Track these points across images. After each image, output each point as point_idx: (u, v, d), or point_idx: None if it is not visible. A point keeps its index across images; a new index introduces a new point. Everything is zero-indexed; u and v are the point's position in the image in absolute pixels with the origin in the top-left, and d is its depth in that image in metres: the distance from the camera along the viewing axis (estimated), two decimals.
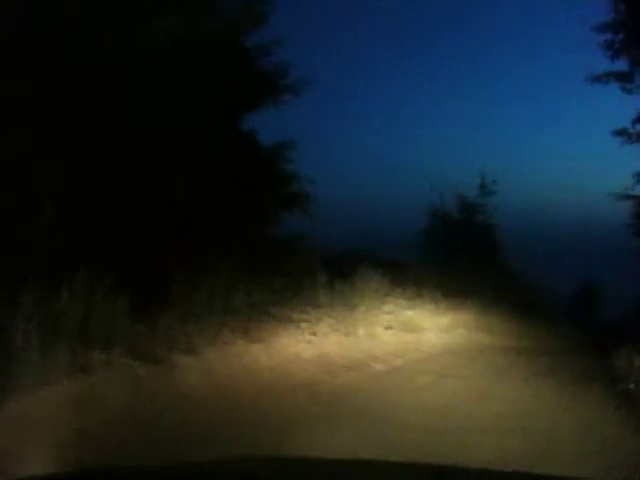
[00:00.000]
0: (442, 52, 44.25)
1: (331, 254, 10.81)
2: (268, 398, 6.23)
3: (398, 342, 9.95)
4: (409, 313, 11.01)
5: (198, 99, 7.94)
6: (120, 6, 7.43)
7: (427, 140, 34.32)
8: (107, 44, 7.12)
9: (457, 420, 6.06)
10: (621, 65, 12.52)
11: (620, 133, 12.81)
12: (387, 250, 12.67)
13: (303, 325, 8.75)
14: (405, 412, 6.20)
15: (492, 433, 5.61)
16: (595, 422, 6.45)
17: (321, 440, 5.07)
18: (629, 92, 12.51)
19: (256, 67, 8.77)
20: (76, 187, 6.50)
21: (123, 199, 6.88)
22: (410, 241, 16.13)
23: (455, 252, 15.22)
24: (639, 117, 12.64)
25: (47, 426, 4.48)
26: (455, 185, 16.80)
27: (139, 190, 7.00)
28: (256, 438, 4.92)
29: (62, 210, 6.25)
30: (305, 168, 9.91)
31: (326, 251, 10.64)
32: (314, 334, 8.77)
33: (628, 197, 13.07)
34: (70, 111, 6.57)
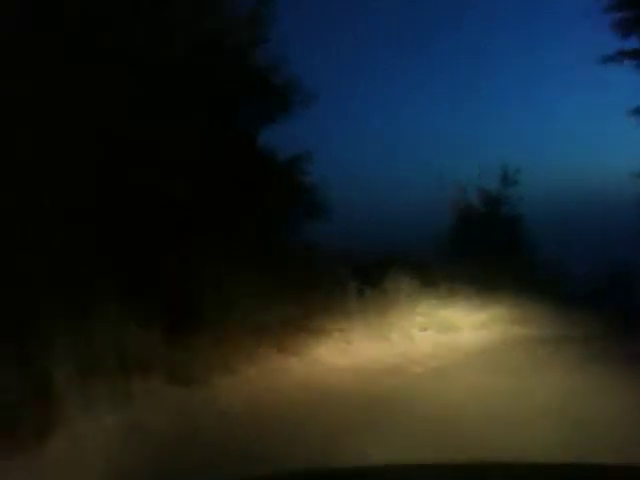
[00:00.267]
0: (452, 49, 43.69)
1: (358, 260, 10.73)
2: (307, 412, 6.23)
3: (434, 343, 9.79)
4: (443, 313, 10.87)
5: (198, 99, 7.94)
6: (120, 6, 7.43)
7: (442, 139, 33.93)
8: (107, 44, 7.12)
9: (507, 418, 5.99)
10: (632, 44, 12.43)
11: (636, 111, 12.72)
12: (414, 251, 12.54)
13: (337, 334, 8.73)
14: (452, 412, 6.13)
15: (544, 428, 5.56)
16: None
17: (366, 449, 5.05)
18: None
19: (255, 66, 8.76)
20: (76, 187, 6.50)
21: (123, 199, 6.88)
22: (435, 240, 16.05)
23: (482, 246, 15.11)
24: None
25: (95, 457, 4.63)
26: (476, 180, 16.72)
27: (139, 190, 6.99)
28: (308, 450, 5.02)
29: (62, 210, 6.26)
30: (326, 176, 9.90)
31: (353, 258, 10.58)
32: (349, 342, 8.76)
33: None
34: (70, 111, 6.56)
